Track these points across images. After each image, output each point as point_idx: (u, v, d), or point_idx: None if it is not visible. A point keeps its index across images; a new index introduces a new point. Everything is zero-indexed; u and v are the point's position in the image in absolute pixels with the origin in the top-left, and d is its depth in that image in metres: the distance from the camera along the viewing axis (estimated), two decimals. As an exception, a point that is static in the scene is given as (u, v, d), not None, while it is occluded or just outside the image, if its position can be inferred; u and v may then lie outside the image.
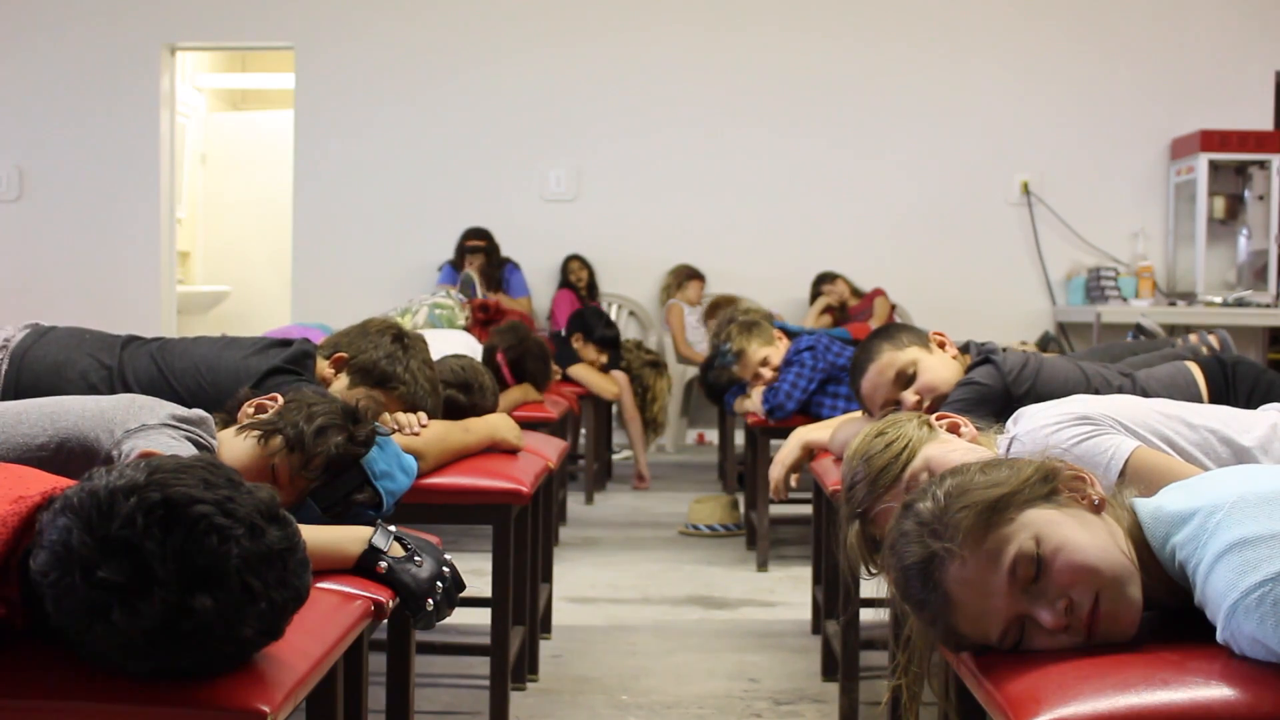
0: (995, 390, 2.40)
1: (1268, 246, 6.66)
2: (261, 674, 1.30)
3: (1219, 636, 1.26)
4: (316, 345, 2.66)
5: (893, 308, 6.55)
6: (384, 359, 2.59)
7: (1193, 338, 3.44)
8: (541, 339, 4.84)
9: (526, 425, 3.30)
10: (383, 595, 1.69)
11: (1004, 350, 2.58)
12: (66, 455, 1.77)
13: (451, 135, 7.06)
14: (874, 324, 5.93)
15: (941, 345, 2.68)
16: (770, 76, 7.04)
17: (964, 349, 2.70)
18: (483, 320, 5.16)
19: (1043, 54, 6.92)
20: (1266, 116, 6.90)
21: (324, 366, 2.61)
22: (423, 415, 2.57)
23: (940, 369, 2.60)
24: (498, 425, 2.79)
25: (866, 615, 2.66)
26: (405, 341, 2.66)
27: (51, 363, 2.48)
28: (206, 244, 9.04)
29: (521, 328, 4.66)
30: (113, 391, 2.38)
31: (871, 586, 1.79)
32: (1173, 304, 6.48)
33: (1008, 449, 1.78)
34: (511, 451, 2.79)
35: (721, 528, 4.85)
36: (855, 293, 6.79)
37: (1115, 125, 6.91)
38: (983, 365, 2.49)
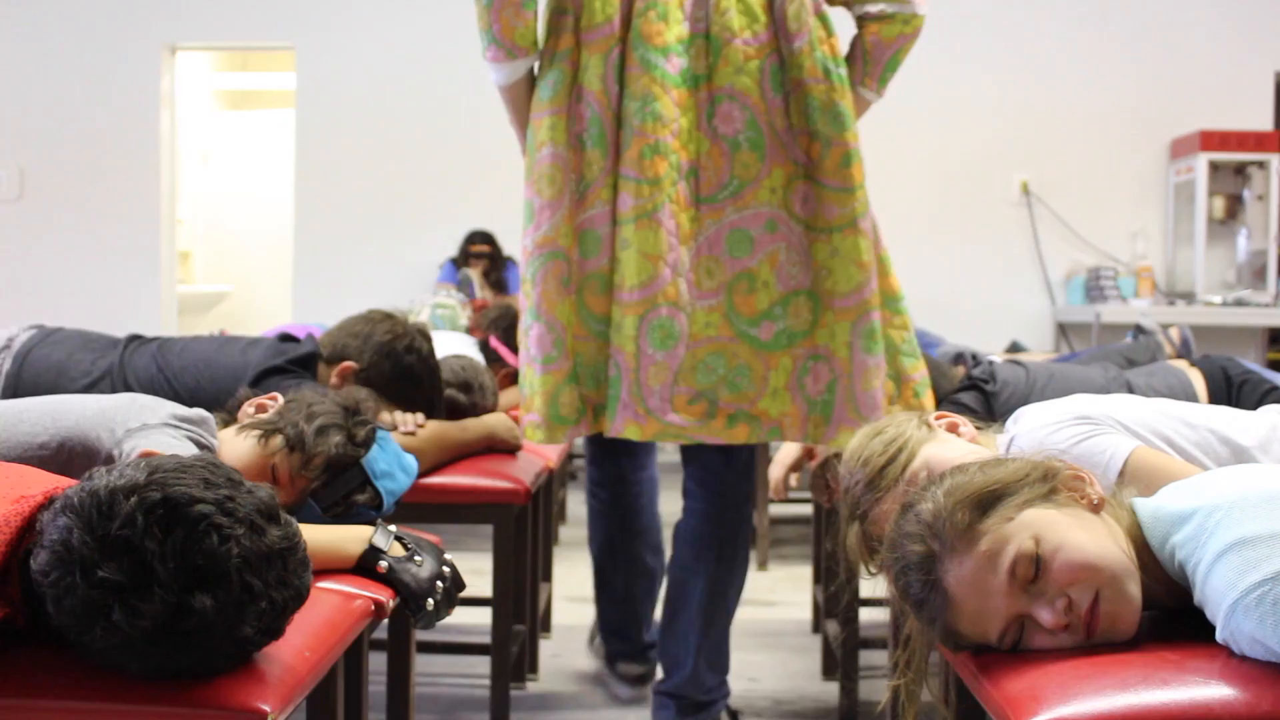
0: (980, 416, 2.39)
1: (1267, 246, 6.65)
2: (261, 674, 1.30)
3: (1218, 636, 1.26)
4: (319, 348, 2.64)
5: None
6: (395, 379, 2.59)
7: (1172, 330, 3.45)
8: None
9: (526, 425, 3.30)
10: (383, 595, 1.69)
11: (992, 364, 2.56)
12: (68, 454, 1.77)
13: (452, 134, 7.04)
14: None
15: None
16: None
17: (958, 358, 2.68)
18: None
19: (1043, 53, 6.91)
20: (1266, 116, 6.89)
21: (328, 373, 2.59)
22: (419, 415, 2.56)
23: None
24: (495, 424, 2.79)
25: (866, 615, 2.66)
26: (413, 351, 2.64)
27: (54, 362, 2.48)
28: (206, 244, 9.04)
29: (511, 306, 4.64)
30: (114, 391, 2.38)
31: (871, 586, 1.78)
32: (1172, 304, 6.48)
33: (1008, 449, 1.78)
34: (511, 451, 2.79)
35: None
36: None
37: (1115, 125, 6.91)
38: (970, 391, 2.49)
